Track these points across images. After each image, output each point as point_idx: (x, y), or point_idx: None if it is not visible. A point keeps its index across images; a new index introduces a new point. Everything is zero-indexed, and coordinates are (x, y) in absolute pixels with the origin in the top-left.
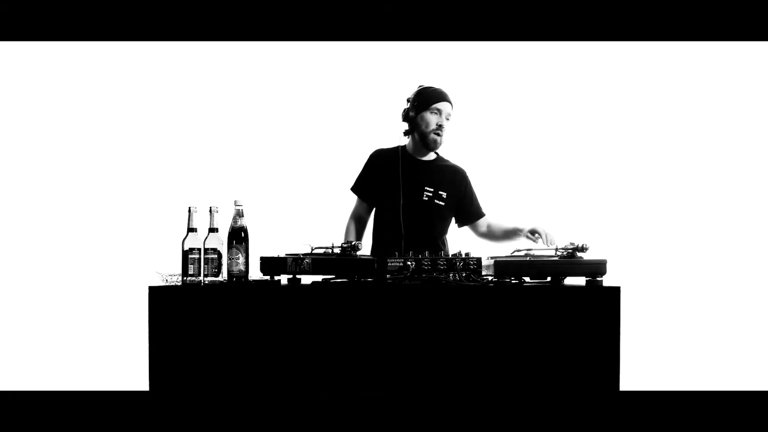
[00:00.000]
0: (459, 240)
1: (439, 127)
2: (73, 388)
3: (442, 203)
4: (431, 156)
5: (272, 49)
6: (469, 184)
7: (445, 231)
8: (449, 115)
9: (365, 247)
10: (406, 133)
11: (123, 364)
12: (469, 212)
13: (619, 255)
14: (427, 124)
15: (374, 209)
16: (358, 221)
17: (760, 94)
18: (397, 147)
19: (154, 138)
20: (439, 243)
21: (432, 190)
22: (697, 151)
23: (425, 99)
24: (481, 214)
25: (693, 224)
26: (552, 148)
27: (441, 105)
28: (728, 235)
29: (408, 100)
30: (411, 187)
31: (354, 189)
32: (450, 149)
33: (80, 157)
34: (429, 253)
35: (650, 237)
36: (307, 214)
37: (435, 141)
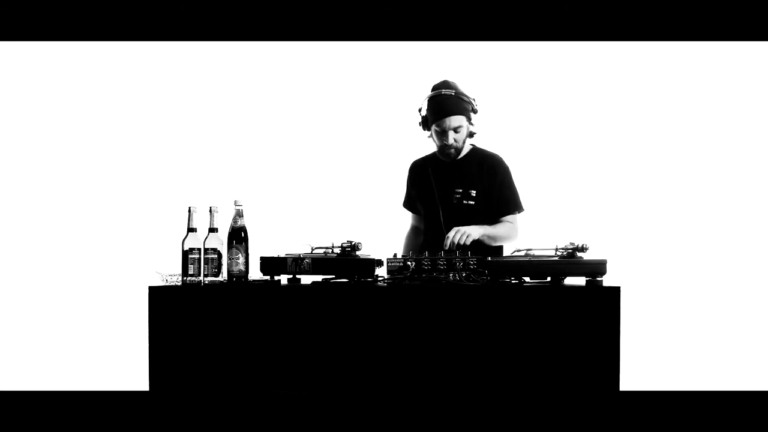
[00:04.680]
0: None
1: (446, 146)
2: (73, 388)
3: (473, 202)
4: (465, 151)
5: (271, 49)
6: (501, 173)
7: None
8: (457, 127)
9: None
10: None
11: (123, 364)
12: (491, 204)
13: (619, 255)
14: (437, 141)
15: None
16: (413, 230)
17: (760, 94)
18: (432, 154)
19: (154, 138)
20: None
21: (461, 190)
22: (697, 151)
23: (430, 114)
24: (503, 212)
25: (693, 224)
26: (552, 148)
27: (442, 123)
28: (728, 235)
29: (419, 110)
30: (443, 191)
31: (405, 205)
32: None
33: (80, 158)
34: (429, 254)
35: (650, 237)
36: (307, 214)
37: (449, 155)
